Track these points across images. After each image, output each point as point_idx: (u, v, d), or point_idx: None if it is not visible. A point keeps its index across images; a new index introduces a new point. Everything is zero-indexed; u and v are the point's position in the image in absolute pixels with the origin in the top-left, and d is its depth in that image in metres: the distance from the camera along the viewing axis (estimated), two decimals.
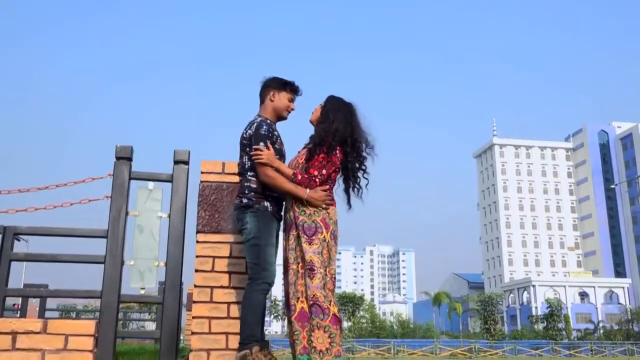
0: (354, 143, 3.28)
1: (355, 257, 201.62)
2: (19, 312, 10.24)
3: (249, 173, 3.29)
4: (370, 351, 37.94)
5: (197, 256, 3.51)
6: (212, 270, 3.49)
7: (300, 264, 3.13)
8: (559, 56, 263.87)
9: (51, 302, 12.29)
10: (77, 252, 3.80)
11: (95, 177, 3.92)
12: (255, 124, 3.30)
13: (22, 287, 8.01)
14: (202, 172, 3.67)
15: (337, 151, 3.23)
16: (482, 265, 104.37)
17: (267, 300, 3.27)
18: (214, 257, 3.52)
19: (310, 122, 3.41)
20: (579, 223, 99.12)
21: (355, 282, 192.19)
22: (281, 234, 3.36)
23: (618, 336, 54.16)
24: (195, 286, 3.47)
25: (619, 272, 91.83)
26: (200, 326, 3.41)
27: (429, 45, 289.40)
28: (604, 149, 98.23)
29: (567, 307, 71.68)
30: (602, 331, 60.26)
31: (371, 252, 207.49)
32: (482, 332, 57.78)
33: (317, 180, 3.17)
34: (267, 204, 3.26)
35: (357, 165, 3.31)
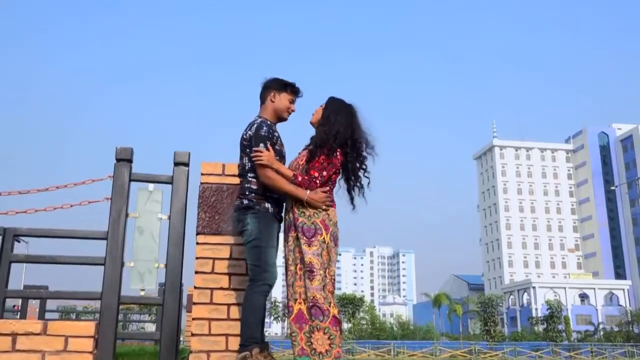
0: (354, 144, 3.28)
1: (355, 258, 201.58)
2: (19, 313, 10.23)
3: (249, 174, 3.29)
4: (370, 353, 37.88)
5: (197, 258, 3.51)
6: (212, 272, 3.49)
7: (298, 266, 3.13)
8: (559, 56, 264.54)
9: (51, 304, 12.30)
10: (77, 254, 3.81)
11: (96, 179, 3.92)
12: (255, 125, 3.30)
13: (22, 288, 8.00)
14: (202, 174, 3.67)
15: (338, 153, 3.23)
16: (482, 267, 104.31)
17: (267, 302, 3.26)
18: (214, 259, 3.51)
19: (311, 123, 3.41)
20: (579, 225, 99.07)
21: (355, 284, 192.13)
22: (281, 235, 3.36)
23: (618, 338, 54.11)
24: (195, 288, 3.47)
25: (619, 273, 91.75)
26: (200, 328, 3.41)
27: (429, 45, 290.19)
28: (604, 150, 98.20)
29: (567, 309, 71.60)
30: (602, 333, 60.20)
31: (371, 254, 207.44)
32: (482, 333, 57.70)
33: (318, 181, 3.17)
34: (268, 205, 3.26)
35: (357, 165, 3.32)
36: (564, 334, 56.93)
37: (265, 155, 3.18)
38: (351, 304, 58.12)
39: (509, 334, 64.36)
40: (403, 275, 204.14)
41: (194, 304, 3.45)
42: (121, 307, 4.08)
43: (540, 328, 59.42)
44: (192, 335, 3.39)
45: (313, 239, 3.11)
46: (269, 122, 3.36)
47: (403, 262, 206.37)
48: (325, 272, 3.08)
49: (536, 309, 75.48)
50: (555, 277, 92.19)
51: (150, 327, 16.99)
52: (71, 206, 3.95)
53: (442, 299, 68.27)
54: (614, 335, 56.07)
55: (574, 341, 56.11)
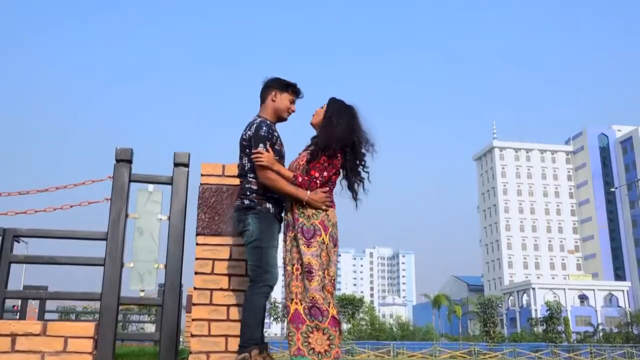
0: (354, 145, 3.28)
1: (354, 259, 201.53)
2: (18, 314, 10.22)
3: (249, 174, 3.28)
4: (369, 353, 37.85)
5: (196, 258, 3.51)
6: (212, 273, 3.49)
7: (295, 266, 3.13)
8: (559, 56, 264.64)
9: (51, 304, 12.30)
10: (76, 254, 3.81)
11: (95, 180, 3.93)
12: (254, 125, 3.29)
13: (21, 289, 8.00)
14: (202, 175, 3.67)
15: (339, 154, 3.23)
16: (482, 268, 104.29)
17: (267, 303, 3.26)
18: (214, 260, 3.52)
19: (311, 124, 3.40)
20: (578, 226, 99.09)
21: (354, 285, 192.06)
22: (281, 235, 3.36)
23: (617, 339, 54.11)
24: (195, 288, 3.47)
25: (619, 275, 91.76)
26: (200, 329, 3.41)
27: (429, 45, 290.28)
28: (604, 152, 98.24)
29: (566, 310, 71.57)
30: (601, 334, 60.21)
31: (371, 254, 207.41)
32: (481, 334, 57.71)
33: (318, 182, 3.17)
34: (268, 205, 3.25)
35: (357, 162, 3.32)
36: (563, 335, 56.90)
37: (265, 156, 3.17)
38: (351, 304, 58.13)
39: (508, 335, 64.38)
40: (403, 276, 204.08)
41: (194, 304, 3.45)
42: (121, 307, 4.08)
43: (539, 329, 59.39)
44: (192, 336, 3.39)
45: (312, 240, 3.11)
46: (268, 122, 3.34)
47: (403, 263, 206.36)
48: (324, 273, 3.08)
49: (536, 310, 75.50)
50: (555, 278, 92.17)
51: (150, 328, 16.98)
52: (71, 207, 3.95)
53: (442, 300, 68.28)
54: (613, 337, 56.08)
55: (574, 342, 56.11)
